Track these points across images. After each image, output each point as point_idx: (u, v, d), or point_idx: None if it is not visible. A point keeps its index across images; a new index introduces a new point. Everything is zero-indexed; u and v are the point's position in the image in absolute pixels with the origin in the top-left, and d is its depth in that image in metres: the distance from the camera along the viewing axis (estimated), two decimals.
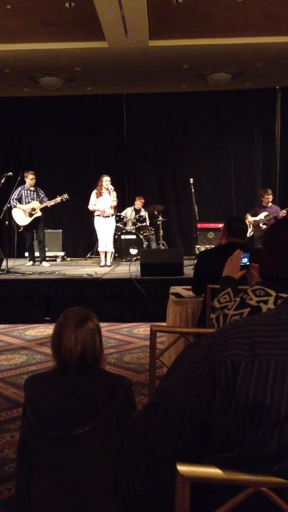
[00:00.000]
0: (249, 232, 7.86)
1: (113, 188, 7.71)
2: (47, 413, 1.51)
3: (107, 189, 7.64)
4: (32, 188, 7.78)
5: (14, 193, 7.68)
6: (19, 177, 7.38)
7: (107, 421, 1.52)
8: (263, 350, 0.70)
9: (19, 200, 7.69)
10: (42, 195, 7.85)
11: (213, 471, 0.69)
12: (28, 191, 7.75)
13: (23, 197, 7.72)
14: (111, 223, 7.87)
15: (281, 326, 0.74)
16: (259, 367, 0.69)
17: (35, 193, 7.79)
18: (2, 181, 7.03)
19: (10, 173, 7.14)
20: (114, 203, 7.72)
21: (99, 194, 7.68)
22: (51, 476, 1.52)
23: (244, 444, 0.68)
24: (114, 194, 7.73)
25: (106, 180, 7.67)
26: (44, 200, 7.80)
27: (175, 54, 7.67)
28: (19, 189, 7.73)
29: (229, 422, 0.69)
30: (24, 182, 7.77)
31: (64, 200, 7.82)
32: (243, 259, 2.13)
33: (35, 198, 7.76)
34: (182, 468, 0.70)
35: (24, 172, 7.81)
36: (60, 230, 9.28)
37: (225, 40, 7.26)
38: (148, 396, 2.66)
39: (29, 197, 7.74)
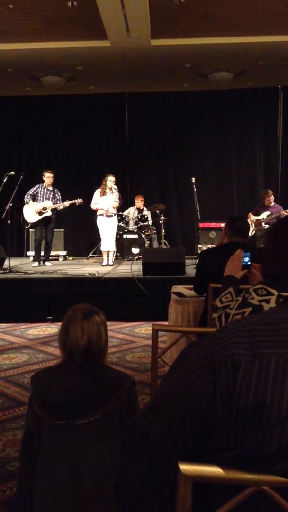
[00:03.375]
0: (251, 231, 7.86)
1: (117, 188, 7.70)
2: (53, 402, 1.55)
3: (111, 188, 7.65)
4: (50, 188, 7.77)
5: (31, 190, 7.69)
6: (21, 176, 7.37)
7: (111, 415, 1.55)
8: (264, 349, 0.70)
9: (34, 197, 7.69)
10: (58, 197, 7.82)
11: (215, 470, 0.70)
12: (45, 190, 7.74)
13: (39, 195, 7.71)
14: (113, 223, 7.87)
15: (281, 325, 0.74)
16: (259, 366, 0.69)
17: (51, 193, 7.77)
18: (4, 180, 7.03)
19: (12, 172, 7.14)
20: (117, 204, 7.72)
21: (103, 193, 7.69)
22: (53, 467, 1.54)
23: (245, 444, 0.68)
24: (117, 194, 7.73)
25: (110, 180, 7.68)
26: (58, 203, 7.78)
27: (177, 53, 7.67)
28: (37, 186, 7.75)
29: (230, 421, 0.69)
30: (43, 181, 7.78)
31: (77, 204, 7.78)
32: (244, 259, 2.13)
33: (50, 199, 7.73)
34: (184, 467, 0.70)
35: (43, 171, 7.81)
36: (62, 229, 9.29)
37: (227, 39, 7.25)
38: (150, 395, 2.66)
39: (44, 196, 7.72)
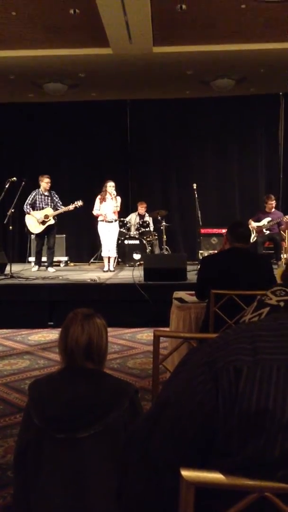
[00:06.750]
0: (252, 237, 7.86)
1: (115, 193, 7.68)
2: (53, 415, 1.51)
3: (111, 194, 7.66)
4: (46, 193, 7.71)
5: (28, 198, 7.62)
6: (23, 182, 7.38)
7: (114, 426, 1.51)
8: (265, 355, 0.70)
9: (33, 205, 7.66)
10: (57, 200, 7.76)
11: (217, 476, 0.69)
12: (42, 196, 7.69)
13: (37, 202, 7.65)
14: (114, 228, 7.88)
15: (282, 331, 0.74)
16: (261, 372, 0.69)
17: (49, 198, 7.72)
18: (6, 186, 7.04)
19: (14, 178, 7.15)
20: (117, 209, 7.72)
21: (103, 199, 7.70)
22: (55, 480, 1.50)
23: (248, 450, 0.68)
24: (118, 199, 7.73)
25: (110, 186, 7.67)
26: (58, 205, 7.73)
27: (179, 60, 7.71)
28: (33, 194, 7.68)
29: (232, 427, 0.69)
30: (39, 186, 7.73)
31: (78, 207, 7.72)
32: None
33: (49, 204, 7.69)
34: (186, 473, 0.70)
35: (39, 176, 7.75)
36: (64, 235, 9.29)
37: (228, 46, 7.29)
38: (151, 402, 2.65)
39: (43, 203, 7.67)
